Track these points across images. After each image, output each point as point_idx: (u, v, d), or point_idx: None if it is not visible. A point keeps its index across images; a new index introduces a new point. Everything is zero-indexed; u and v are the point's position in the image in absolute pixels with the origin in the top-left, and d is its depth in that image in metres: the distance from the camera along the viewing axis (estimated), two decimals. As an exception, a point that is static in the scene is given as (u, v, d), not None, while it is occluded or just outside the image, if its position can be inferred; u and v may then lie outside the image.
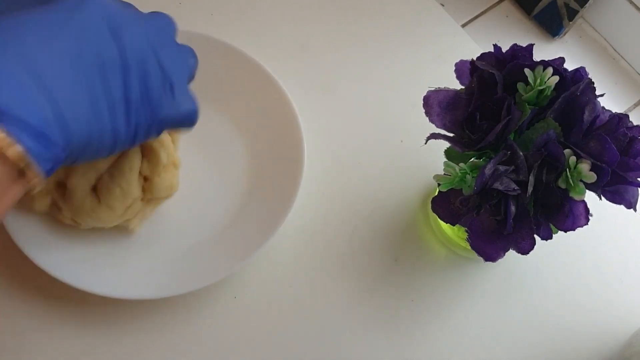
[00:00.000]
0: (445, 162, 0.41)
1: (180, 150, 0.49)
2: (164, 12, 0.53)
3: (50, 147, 0.30)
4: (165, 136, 0.46)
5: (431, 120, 0.42)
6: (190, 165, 0.51)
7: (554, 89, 0.40)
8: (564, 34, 0.63)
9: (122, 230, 0.48)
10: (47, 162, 0.30)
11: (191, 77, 0.40)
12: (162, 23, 0.39)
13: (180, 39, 0.53)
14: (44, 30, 0.32)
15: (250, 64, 0.53)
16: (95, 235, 0.48)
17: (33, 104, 0.29)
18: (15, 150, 0.28)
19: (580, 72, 0.40)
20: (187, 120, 0.39)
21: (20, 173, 0.30)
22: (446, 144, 0.42)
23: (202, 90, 0.54)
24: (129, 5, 0.37)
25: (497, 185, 0.38)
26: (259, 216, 0.49)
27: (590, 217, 0.38)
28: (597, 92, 0.39)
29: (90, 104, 0.32)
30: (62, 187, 0.45)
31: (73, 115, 0.31)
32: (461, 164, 0.40)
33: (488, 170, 0.38)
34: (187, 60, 0.39)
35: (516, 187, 0.38)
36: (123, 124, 0.35)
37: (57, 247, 0.47)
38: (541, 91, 0.40)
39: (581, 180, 0.38)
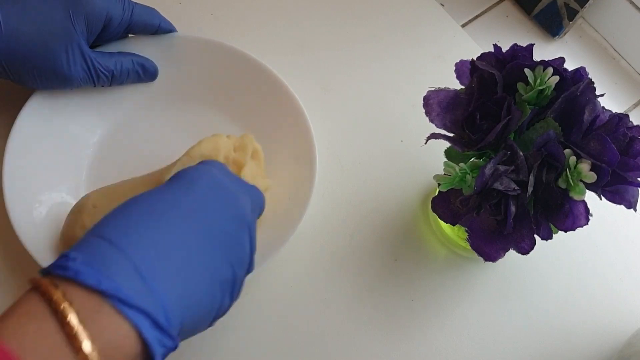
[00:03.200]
0: (445, 162, 0.41)
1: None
2: (165, 13, 0.54)
3: (167, 336, 0.30)
4: None
5: (431, 120, 0.43)
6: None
7: (554, 89, 0.40)
8: (564, 34, 0.63)
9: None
10: (163, 349, 0.30)
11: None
12: (257, 199, 0.40)
13: (188, 44, 0.53)
14: (160, 214, 0.32)
15: (262, 69, 0.53)
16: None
17: (149, 294, 0.30)
18: (136, 339, 0.29)
19: (580, 72, 0.40)
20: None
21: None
22: (446, 144, 0.42)
23: (212, 95, 0.54)
24: (235, 178, 0.38)
25: (497, 185, 0.38)
26: (269, 226, 0.49)
27: (590, 217, 0.38)
28: (597, 92, 0.39)
29: (206, 286, 0.33)
30: None
31: (190, 301, 0.32)
32: (461, 164, 0.40)
33: (488, 170, 0.38)
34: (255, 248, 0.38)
35: (516, 187, 0.38)
36: (228, 300, 0.35)
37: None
38: (541, 91, 0.40)
39: (581, 180, 0.38)
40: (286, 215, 0.48)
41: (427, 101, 0.43)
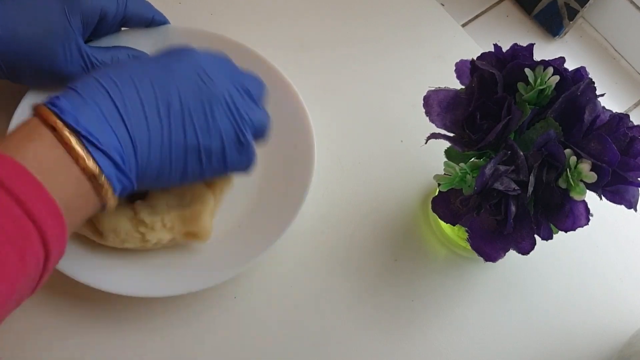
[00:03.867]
0: (445, 162, 0.41)
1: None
2: (165, 12, 0.54)
3: (123, 172, 0.36)
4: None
5: (431, 120, 0.42)
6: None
7: (555, 88, 0.40)
8: (564, 34, 0.63)
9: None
10: (119, 183, 0.36)
11: (262, 136, 0.44)
12: (253, 83, 0.43)
13: (182, 36, 0.53)
14: (143, 75, 0.38)
15: (261, 61, 0.53)
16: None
17: (114, 137, 0.35)
18: (93, 167, 0.34)
19: (580, 72, 0.40)
20: (247, 170, 0.44)
21: (97, 190, 0.35)
22: (446, 144, 0.42)
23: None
24: (226, 60, 0.43)
25: (497, 185, 0.38)
26: (266, 219, 0.49)
27: (590, 217, 0.38)
28: (598, 92, 0.39)
29: (165, 146, 0.38)
30: None
31: (147, 152, 0.37)
32: (461, 164, 0.40)
33: (488, 170, 0.38)
34: (262, 120, 0.43)
35: (516, 187, 0.38)
36: (194, 170, 0.40)
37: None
38: (541, 91, 0.40)
39: (581, 180, 0.38)
40: (281, 212, 0.49)
41: (427, 101, 0.43)
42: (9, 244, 0.30)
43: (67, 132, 0.34)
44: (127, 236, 0.45)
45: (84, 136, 0.34)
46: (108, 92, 0.36)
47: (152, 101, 0.38)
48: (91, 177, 0.34)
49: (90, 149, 0.34)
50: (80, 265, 0.46)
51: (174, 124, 0.38)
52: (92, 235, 0.46)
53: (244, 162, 0.43)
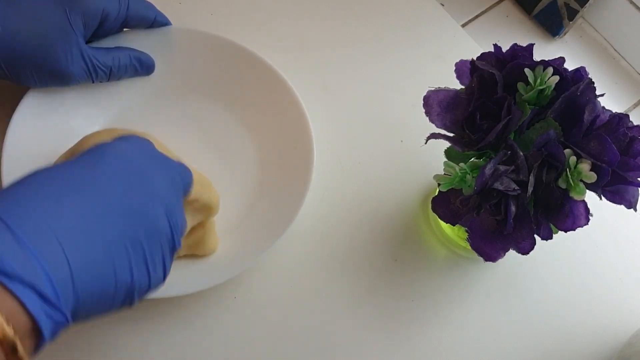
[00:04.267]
0: (445, 162, 0.41)
1: (188, 149, 0.49)
2: (165, 12, 0.54)
3: (55, 309, 0.29)
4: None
5: (431, 120, 0.42)
6: (197, 164, 0.50)
7: (554, 88, 0.40)
8: (564, 34, 0.63)
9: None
10: (52, 323, 0.29)
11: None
12: (182, 175, 0.38)
13: (184, 37, 0.54)
14: (64, 188, 0.31)
15: (260, 63, 0.53)
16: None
17: (34, 267, 0.28)
18: (23, 317, 0.27)
19: (580, 72, 0.40)
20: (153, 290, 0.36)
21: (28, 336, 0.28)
22: (446, 144, 0.42)
23: (211, 89, 0.55)
24: (154, 155, 0.37)
25: (497, 185, 0.38)
26: (266, 219, 0.49)
27: (590, 217, 0.38)
28: (597, 92, 0.39)
29: (103, 258, 0.31)
30: None
31: (84, 278, 0.30)
32: (461, 164, 0.40)
33: (488, 170, 0.38)
34: (182, 225, 0.37)
35: (516, 187, 0.38)
36: (146, 277, 0.34)
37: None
38: (541, 91, 0.40)
39: (581, 180, 0.38)
40: (281, 211, 0.49)
41: (427, 101, 0.43)
42: None
43: None
44: None
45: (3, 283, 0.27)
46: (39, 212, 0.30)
47: (90, 213, 0.31)
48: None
49: (4, 280, 0.27)
50: None
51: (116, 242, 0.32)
52: None
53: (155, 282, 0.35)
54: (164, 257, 0.35)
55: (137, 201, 0.34)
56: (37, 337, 0.29)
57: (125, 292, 0.33)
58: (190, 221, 0.43)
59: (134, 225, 0.33)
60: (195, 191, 0.41)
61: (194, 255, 0.47)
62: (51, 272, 0.28)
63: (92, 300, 0.31)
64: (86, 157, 0.34)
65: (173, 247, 0.36)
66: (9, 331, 0.26)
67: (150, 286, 0.35)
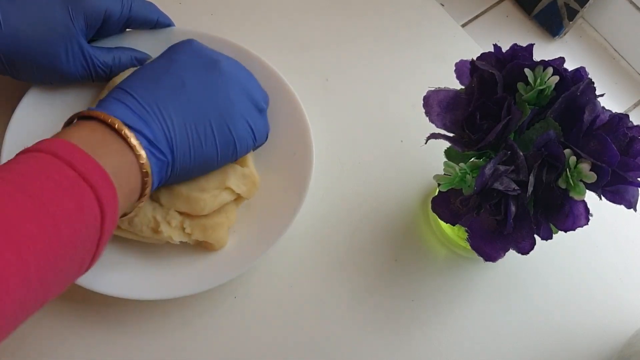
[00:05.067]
0: (445, 162, 0.41)
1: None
2: (165, 12, 0.54)
3: (159, 149, 0.40)
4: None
5: (431, 120, 0.42)
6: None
7: (554, 89, 0.40)
8: (564, 34, 0.63)
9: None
10: (156, 160, 0.40)
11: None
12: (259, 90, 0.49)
13: (185, 38, 0.53)
14: (179, 80, 0.43)
15: (261, 64, 0.53)
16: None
17: (157, 129, 0.41)
18: (134, 141, 0.39)
19: (580, 72, 0.40)
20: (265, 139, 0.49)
21: (143, 180, 0.40)
22: (446, 144, 0.42)
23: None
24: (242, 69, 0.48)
25: (497, 185, 0.38)
26: (266, 219, 0.49)
27: (590, 217, 0.38)
28: (597, 92, 0.39)
29: (197, 138, 0.43)
30: None
31: (182, 144, 0.42)
32: (461, 164, 0.40)
33: (488, 170, 0.38)
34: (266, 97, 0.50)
35: (516, 187, 0.38)
36: (224, 146, 0.44)
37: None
38: (541, 91, 0.40)
39: (581, 180, 0.38)
40: (281, 212, 0.49)
41: (427, 101, 0.43)
42: (66, 196, 0.33)
43: (111, 120, 0.38)
44: (141, 220, 0.45)
45: (127, 124, 0.39)
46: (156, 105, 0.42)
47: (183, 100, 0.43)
48: (132, 148, 0.38)
49: (133, 132, 0.39)
50: None
51: (201, 128, 0.43)
52: None
53: (264, 128, 0.48)
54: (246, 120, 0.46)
55: (221, 92, 0.45)
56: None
57: (207, 153, 0.44)
58: (226, 197, 0.47)
59: (218, 107, 0.44)
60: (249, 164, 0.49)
61: (203, 247, 0.47)
62: (157, 129, 0.41)
63: (184, 154, 0.42)
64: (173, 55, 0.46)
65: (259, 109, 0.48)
66: (146, 163, 0.39)
67: (230, 155, 0.46)
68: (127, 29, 0.53)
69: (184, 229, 0.46)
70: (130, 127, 0.39)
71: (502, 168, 0.38)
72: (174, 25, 0.54)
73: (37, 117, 0.50)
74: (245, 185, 0.48)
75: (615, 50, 0.63)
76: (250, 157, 0.49)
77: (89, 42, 0.49)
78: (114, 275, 0.46)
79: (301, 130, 0.51)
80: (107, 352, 0.47)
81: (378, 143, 0.56)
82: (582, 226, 0.38)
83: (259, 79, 0.52)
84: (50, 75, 0.48)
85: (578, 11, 0.60)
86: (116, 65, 0.50)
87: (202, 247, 0.48)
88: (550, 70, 0.39)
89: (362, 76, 0.58)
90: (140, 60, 0.52)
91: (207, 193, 0.46)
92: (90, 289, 0.45)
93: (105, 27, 0.49)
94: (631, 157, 0.38)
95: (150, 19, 0.52)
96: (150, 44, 0.53)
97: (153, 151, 0.40)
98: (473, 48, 0.60)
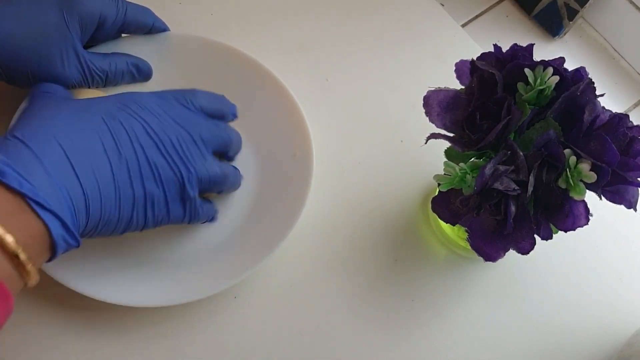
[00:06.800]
0: (445, 162, 0.41)
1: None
2: (164, 13, 0.54)
3: (71, 235, 0.35)
4: None
5: (431, 120, 0.42)
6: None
7: (554, 89, 0.40)
8: (564, 34, 0.63)
9: (124, 237, 0.47)
10: (65, 245, 0.36)
11: (217, 188, 0.45)
12: (214, 130, 0.44)
13: (181, 43, 0.53)
14: (71, 118, 0.38)
15: (258, 68, 0.53)
16: (98, 241, 0.47)
17: (59, 197, 0.35)
18: (47, 237, 0.34)
19: (580, 72, 0.40)
20: (211, 221, 0.47)
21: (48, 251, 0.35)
22: (446, 144, 0.42)
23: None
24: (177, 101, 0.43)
25: (497, 185, 0.38)
26: (266, 223, 0.49)
27: (590, 217, 0.38)
28: (597, 92, 0.39)
29: (114, 197, 0.38)
30: None
31: (95, 205, 0.37)
32: (461, 164, 0.40)
33: (488, 170, 0.38)
34: (213, 172, 0.43)
35: (516, 187, 0.38)
36: (149, 214, 0.40)
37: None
38: (541, 91, 0.40)
39: (581, 180, 0.38)
40: (283, 214, 0.48)
41: (427, 101, 0.43)
42: None
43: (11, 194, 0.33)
44: None
45: (30, 198, 0.33)
46: (59, 143, 0.36)
47: (101, 148, 0.38)
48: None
49: (37, 209, 0.33)
50: (79, 276, 0.45)
51: (122, 173, 0.38)
52: None
53: (189, 216, 0.43)
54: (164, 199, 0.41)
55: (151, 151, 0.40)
56: (51, 253, 0.35)
57: (125, 227, 0.40)
58: None
59: (141, 170, 0.39)
60: None
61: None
62: (71, 202, 0.35)
63: (96, 226, 0.38)
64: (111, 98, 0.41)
65: (185, 194, 0.41)
66: (14, 246, 0.32)
67: (153, 222, 0.41)
68: (123, 34, 0.52)
69: None
70: (43, 206, 0.33)
71: (502, 168, 0.38)
72: (169, 30, 0.54)
73: None
74: None
75: (615, 50, 0.63)
76: None
77: (85, 47, 0.49)
78: (113, 283, 0.46)
79: (300, 132, 0.51)
80: (106, 356, 0.47)
81: (378, 143, 0.56)
82: (582, 226, 0.38)
83: (256, 82, 0.52)
84: (46, 80, 0.47)
85: (578, 11, 0.60)
86: (112, 71, 0.50)
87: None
88: (550, 70, 0.39)
89: (362, 76, 0.58)
90: (136, 66, 0.52)
91: None
92: (89, 296, 0.45)
93: (100, 31, 0.49)
94: (631, 157, 0.38)
95: (145, 24, 0.52)
96: (146, 49, 0.53)
97: (65, 237, 0.35)
98: (473, 48, 0.60)
